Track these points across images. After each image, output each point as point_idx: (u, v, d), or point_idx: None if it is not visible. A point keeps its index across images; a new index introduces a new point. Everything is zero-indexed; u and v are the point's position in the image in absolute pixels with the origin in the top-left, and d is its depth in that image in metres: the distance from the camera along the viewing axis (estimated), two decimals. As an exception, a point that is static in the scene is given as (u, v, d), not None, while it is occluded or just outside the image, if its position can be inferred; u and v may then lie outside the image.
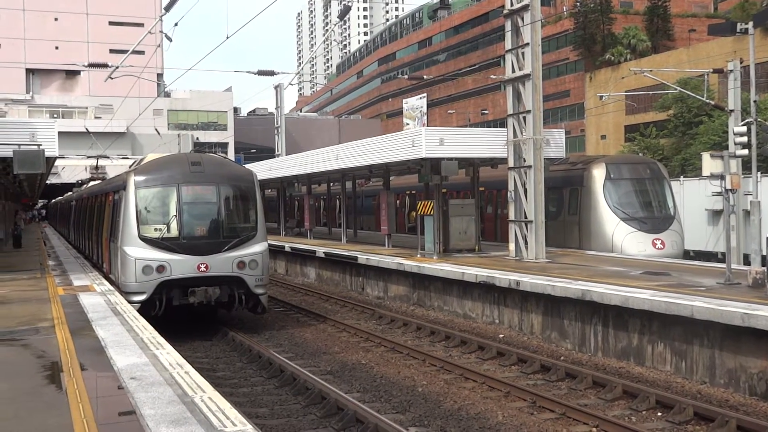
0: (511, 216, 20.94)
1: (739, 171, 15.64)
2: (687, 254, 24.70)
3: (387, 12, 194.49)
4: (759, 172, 25.39)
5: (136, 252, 15.97)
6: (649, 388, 11.52)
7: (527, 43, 20.23)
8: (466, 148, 21.43)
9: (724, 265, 15.46)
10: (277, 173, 34.31)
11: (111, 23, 77.45)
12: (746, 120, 25.82)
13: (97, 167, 39.72)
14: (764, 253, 16.54)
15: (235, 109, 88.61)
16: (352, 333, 17.37)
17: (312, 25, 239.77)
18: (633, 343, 13.54)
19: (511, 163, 20.87)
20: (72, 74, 76.74)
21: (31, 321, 12.10)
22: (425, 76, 55.81)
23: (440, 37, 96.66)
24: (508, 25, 21.08)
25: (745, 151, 20.47)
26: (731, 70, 26.89)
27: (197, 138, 76.60)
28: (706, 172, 15.35)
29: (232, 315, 18.72)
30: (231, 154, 74.12)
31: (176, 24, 23.67)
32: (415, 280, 20.87)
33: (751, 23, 25.76)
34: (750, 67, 26.04)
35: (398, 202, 34.30)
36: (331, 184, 38.02)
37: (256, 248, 16.83)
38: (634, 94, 50.46)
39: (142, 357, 9.25)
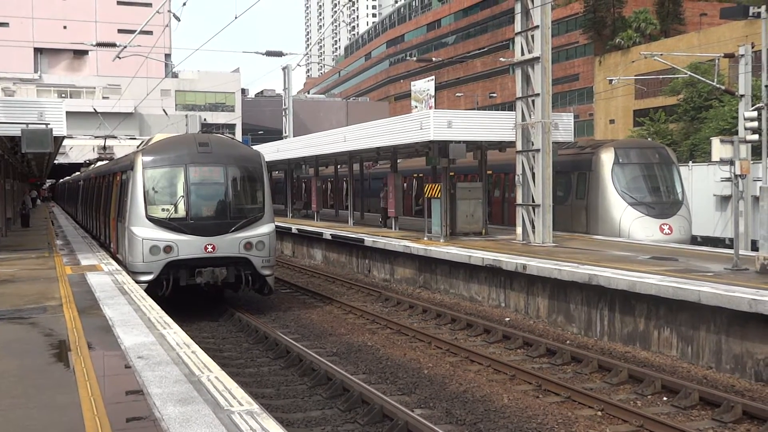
0: (519, 200, 20.89)
1: (748, 156, 15.46)
2: (695, 240, 24.63)
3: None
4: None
5: (143, 232, 16.01)
6: (655, 372, 11.53)
7: (537, 26, 20.09)
8: (474, 131, 21.35)
9: (731, 251, 15.41)
10: (285, 155, 34.28)
11: (119, 3, 77.39)
12: (757, 105, 25.67)
13: (104, 147, 39.85)
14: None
15: (243, 91, 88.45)
16: (359, 315, 17.41)
17: (320, 6, 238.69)
18: (639, 328, 13.53)
19: (519, 147, 20.80)
20: (80, 54, 76.73)
21: (39, 300, 12.17)
22: (434, 59, 55.79)
23: (449, 19, 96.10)
24: (518, 8, 20.93)
25: (756, 137, 20.41)
26: (742, 55, 26.69)
27: (205, 119, 76.43)
28: (715, 157, 15.22)
29: (238, 296, 18.77)
30: (239, 136, 74.06)
31: (185, 4, 23.61)
32: (422, 263, 20.87)
33: (763, 7, 25.55)
34: (762, 51, 25.87)
35: (405, 184, 34.22)
36: (339, 167, 37.97)
37: (263, 229, 16.84)
38: (643, 79, 50.13)
39: (149, 336, 9.29)
